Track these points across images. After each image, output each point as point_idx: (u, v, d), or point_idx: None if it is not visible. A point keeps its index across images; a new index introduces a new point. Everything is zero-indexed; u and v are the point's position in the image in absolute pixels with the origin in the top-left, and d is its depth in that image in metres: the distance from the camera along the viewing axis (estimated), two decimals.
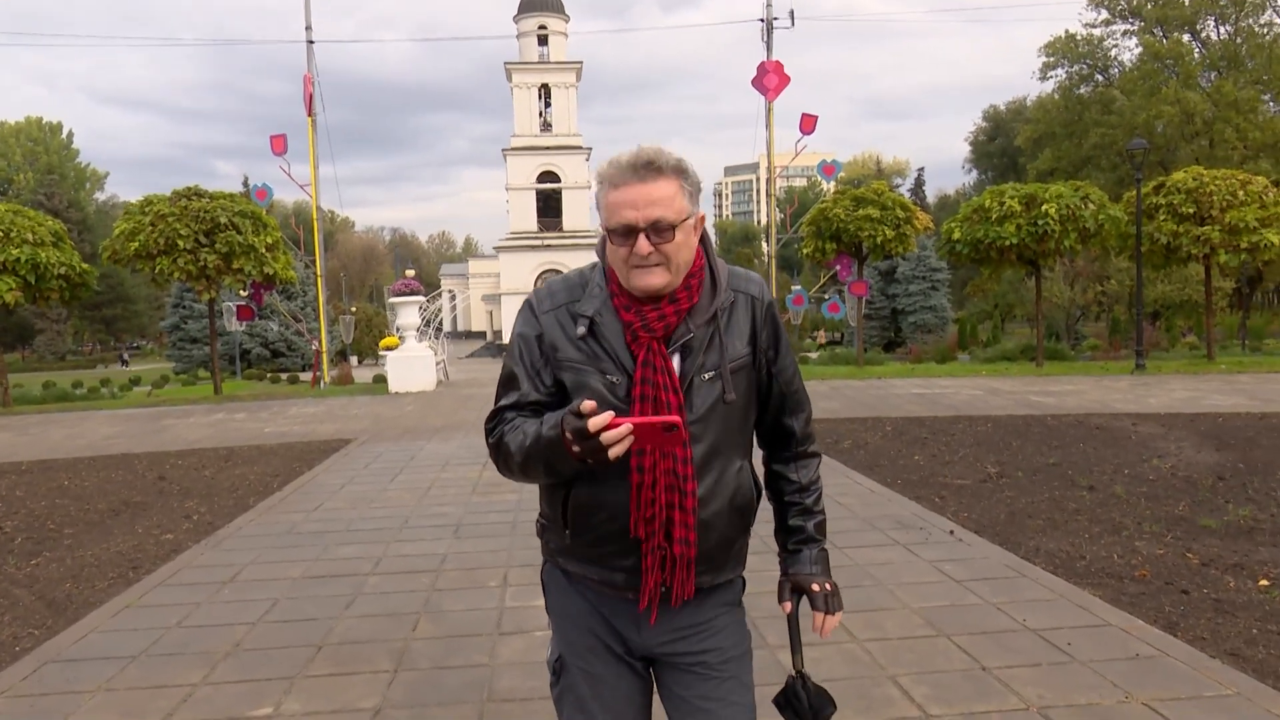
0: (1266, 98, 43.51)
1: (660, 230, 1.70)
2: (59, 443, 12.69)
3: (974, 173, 67.60)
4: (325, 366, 22.01)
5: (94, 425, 14.73)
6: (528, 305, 1.88)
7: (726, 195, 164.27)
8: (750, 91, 21.84)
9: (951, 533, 6.09)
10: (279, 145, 21.06)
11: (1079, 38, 47.44)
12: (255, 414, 15.68)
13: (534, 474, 1.79)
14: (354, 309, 46.38)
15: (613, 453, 1.58)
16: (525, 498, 7.63)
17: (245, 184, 21.59)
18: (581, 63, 56.08)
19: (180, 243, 17.78)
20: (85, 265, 18.59)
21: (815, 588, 1.92)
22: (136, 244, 17.85)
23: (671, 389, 1.75)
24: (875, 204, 20.86)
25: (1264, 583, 4.95)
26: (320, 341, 21.96)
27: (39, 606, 5.15)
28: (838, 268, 21.72)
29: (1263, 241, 18.88)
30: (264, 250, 18.68)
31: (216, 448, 11.43)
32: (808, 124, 21.01)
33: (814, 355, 28.67)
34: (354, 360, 40.69)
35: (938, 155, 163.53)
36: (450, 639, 4.35)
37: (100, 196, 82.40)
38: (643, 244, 1.69)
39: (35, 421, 15.72)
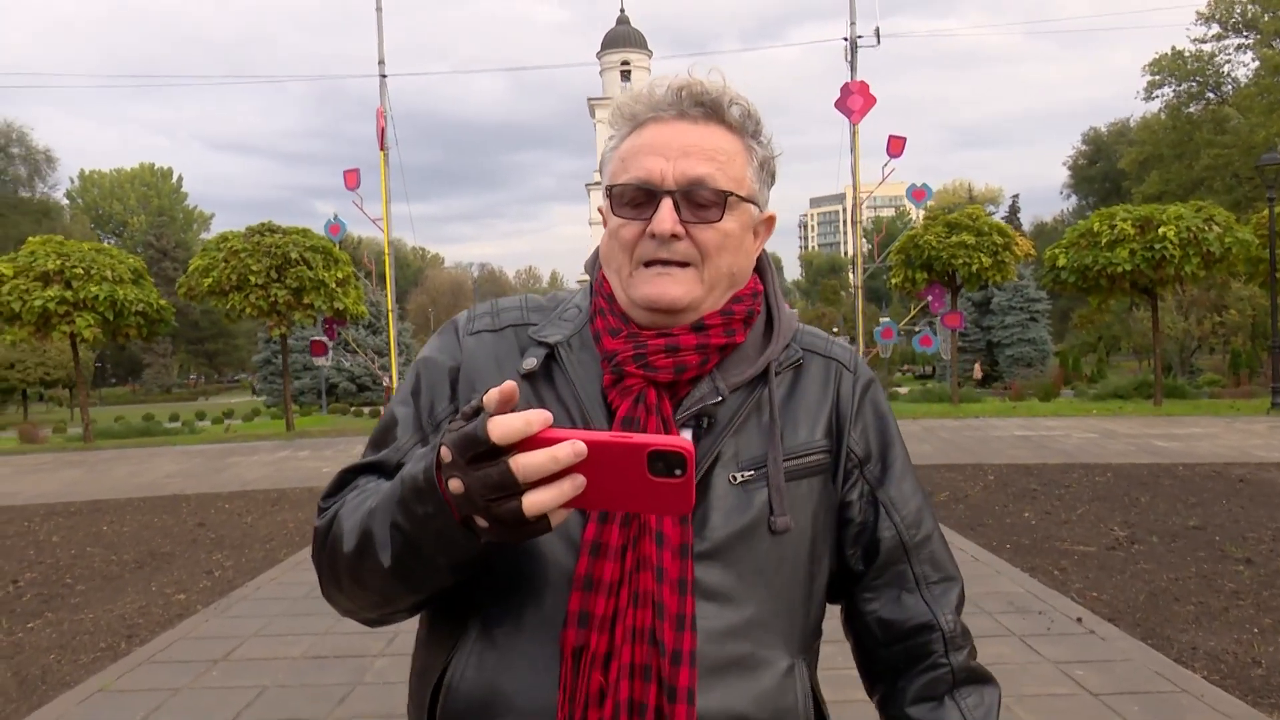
0: None
1: (700, 202, 0.99)
2: (120, 481, 12.44)
3: (1073, 198, 65.04)
4: None
5: (161, 462, 14.52)
6: (451, 324, 1.15)
7: (812, 227, 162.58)
8: (835, 122, 20.86)
9: (1080, 620, 4.99)
10: (351, 180, 20.95)
11: (1187, 54, 45.26)
12: (319, 452, 15.30)
13: (373, 579, 0.92)
14: None
15: (534, 500, 0.76)
16: None
17: (337, 219, 21.46)
18: None
19: (252, 278, 17.68)
20: (163, 302, 18.69)
21: None
22: (210, 280, 17.84)
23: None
24: (970, 230, 19.53)
25: None
26: (391, 377, 21.66)
27: (10, 685, 4.52)
28: (929, 298, 20.43)
29: None
30: (334, 285, 18.47)
31: (268, 490, 10.95)
32: (896, 146, 19.87)
33: (903, 390, 27.22)
34: None
35: (1033, 182, 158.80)
36: None
37: (206, 236, 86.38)
38: (666, 213, 0.98)
39: (108, 458, 15.65)
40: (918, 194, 20.67)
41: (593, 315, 1.08)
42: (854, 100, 19.80)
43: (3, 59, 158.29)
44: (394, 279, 22.15)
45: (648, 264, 1.00)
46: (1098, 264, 18.10)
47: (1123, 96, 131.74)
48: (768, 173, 1.07)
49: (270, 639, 5.03)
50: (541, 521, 0.78)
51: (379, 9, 21.68)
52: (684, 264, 1.00)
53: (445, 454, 0.80)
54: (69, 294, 17.11)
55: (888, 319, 25.03)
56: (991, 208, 73.24)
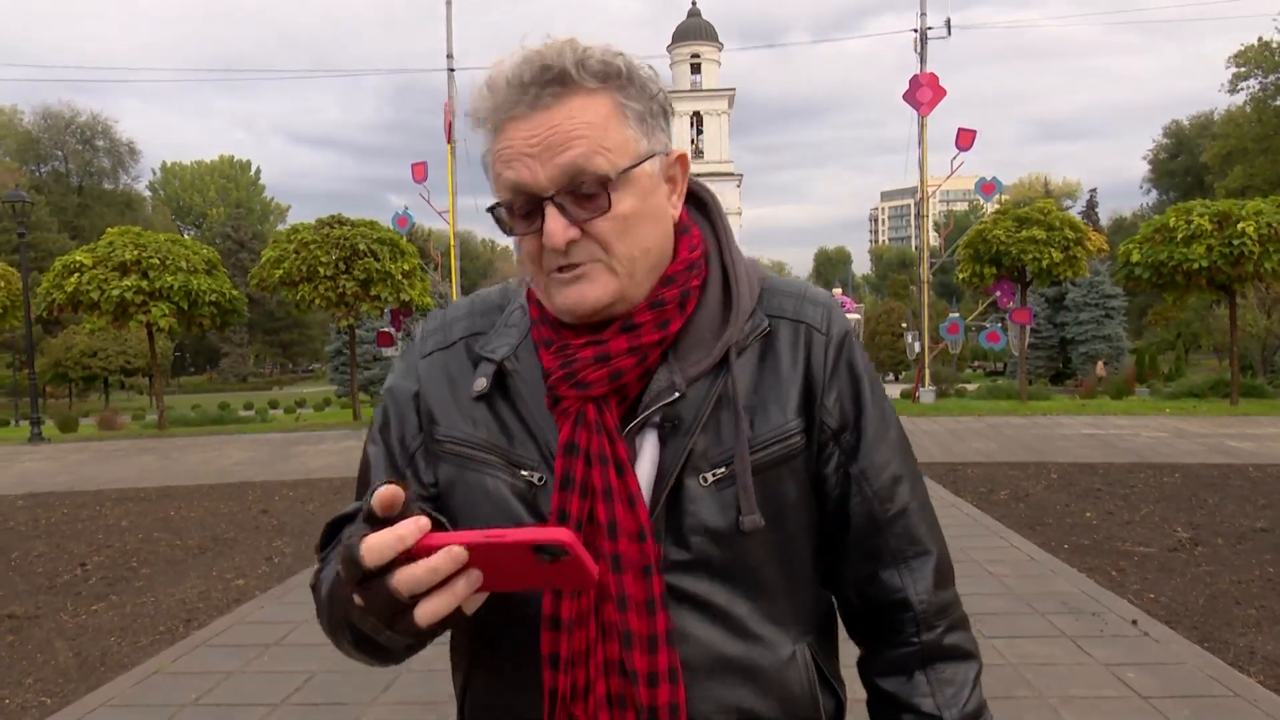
0: None
1: (585, 195, 0.90)
2: (192, 467, 12.89)
3: (1153, 193, 62.87)
4: None
5: (231, 450, 15.00)
6: (410, 344, 1.11)
7: (883, 220, 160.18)
8: (908, 115, 20.50)
9: (1135, 622, 4.86)
10: (419, 173, 21.35)
11: (1274, 45, 43.38)
12: None
13: (344, 644, 0.91)
14: None
15: (425, 611, 0.74)
16: None
17: (405, 211, 21.87)
18: (734, 90, 55.95)
19: (321, 269, 18.11)
20: (235, 292, 19.25)
21: None
22: (281, 271, 18.32)
23: (623, 499, 0.91)
24: (1041, 224, 19.03)
25: None
26: None
27: (71, 666, 4.73)
28: (998, 294, 19.98)
29: None
30: (400, 277, 18.81)
31: (331, 479, 11.23)
32: (965, 139, 19.47)
33: (971, 387, 26.68)
34: None
35: (1114, 176, 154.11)
36: None
37: (282, 228, 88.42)
38: (553, 224, 0.89)
39: (181, 445, 16.21)
40: (987, 188, 20.26)
41: (532, 320, 1.02)
42: (923, 92, 19.48)
43: (88, 51, 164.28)
44: (461, 270, 22.49)
45: (554, 272, 0.93)
46: (1173, 260, 17.50)
47: (1207, 89, 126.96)
48: (655, 114, 0.94)
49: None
50: (454, 615, 0.75)
51: (449, 3, 22.00)
52: (588, 262, 0.91)
53: (341, 571, 0.78)
54: (145, 284, 17.74)
55: (956, 314, 24.56)
56: (1069, 202, 71.39)
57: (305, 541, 7.53)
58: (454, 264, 21.32)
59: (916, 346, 26.82)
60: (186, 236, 20.35)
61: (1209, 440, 12.65)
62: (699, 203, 1.05)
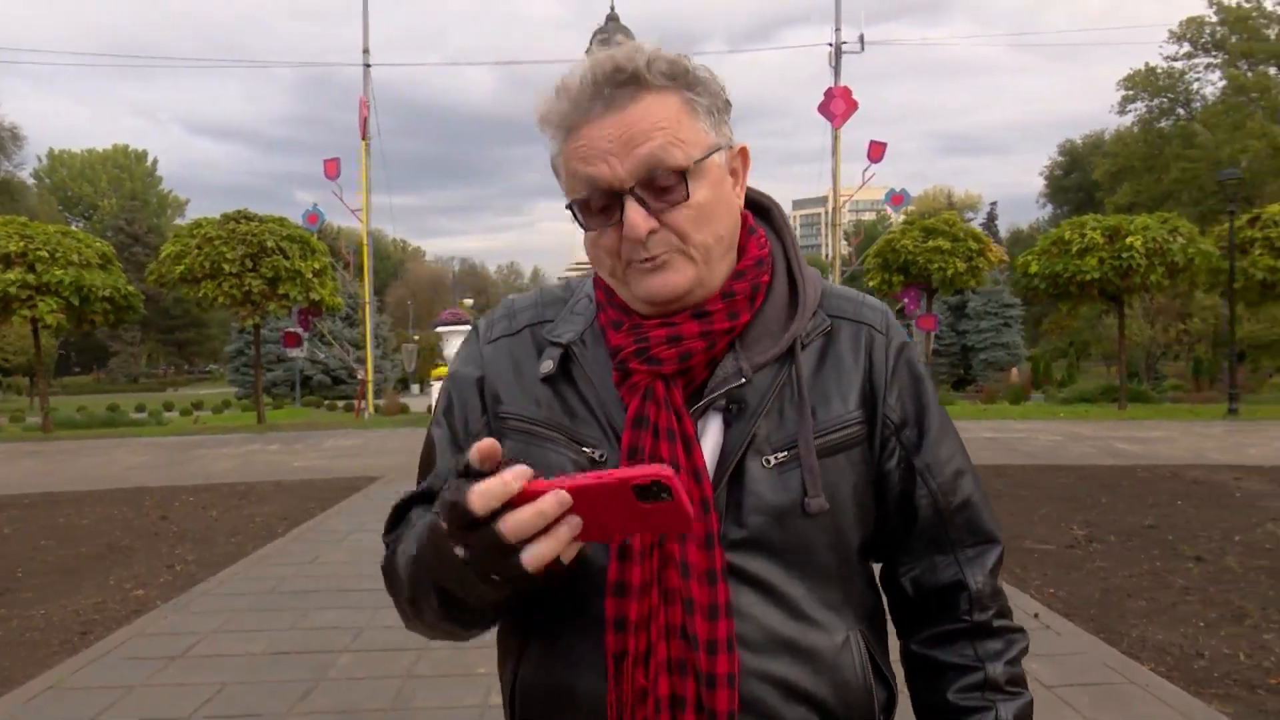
0: None
1: (662, 187, 0.94)
2: (82, 472, 12.29)
3: (1049, 207, 65.80)
4: (370, 396, 21.59)
5: (124, 454, 14.37)
6: (473, 332, 1.15)
7: (795, 229, 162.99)
8: (821, 126, 20.94)
9: (1036, 616, 5.08)
10: (332, 169, 20.85)
11: (1159, 71, 45.92)
12: (290, 445, 15.20)
13: (433, 618, 0.95)
14: (417, 337, 46.50)
15: (532, 554, 0.77)
16: None
17: (315, 208, 21.34)
18: None
19: (226, 266, 17.53)
20: (130, 288, 18.46)
21: None
22: (182, 267, 17.66)
23: (690, 472, 0.95)
24: (946, 235, 19.75)
25: None
26: (366, 370, 21.55)
27: None
28: (905, 301, 20.60)
29: None
30: (310, 276, 18.35)
31: (235, 483, 10.87)
32: (876, 151, 20.03)
33: None
34: (415, 389, 40.62)
35: (1013, 190, 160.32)
36: None
37: (181, 222, 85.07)
38: (635, 215, 0.94)
39: (69, 449, 15.45)
40: (896, 199, 20.88)
41: (599, 302, 1.07)
42: (836, 105, 19.96)
43: None
44: (372, 271, 22.02)
45: (635, 263, 0.97)
46: (1068, 271, 18.35)
47: (1098, 110, 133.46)
48: (720, 109, 1.00)
49: (231, 635, 4.99)
50: (554, 564, 0.79)
51: None
52: (668, 252, 0.96)
53: (443, 523, 0.82)
54: (31, 277, 16.86)
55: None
56: (970, 214, 73.91)
57: (209, 549, 7.26)
58: (367, 263, 20.87)
59: None
60: (75, 228, 19.31)
61: (1100, 443, 13.30)
62: (761, 209, 1.11)
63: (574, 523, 0.78)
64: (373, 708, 3.94)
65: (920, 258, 19.59)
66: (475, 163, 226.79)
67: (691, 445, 0.96)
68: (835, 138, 21.21)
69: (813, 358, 1.03)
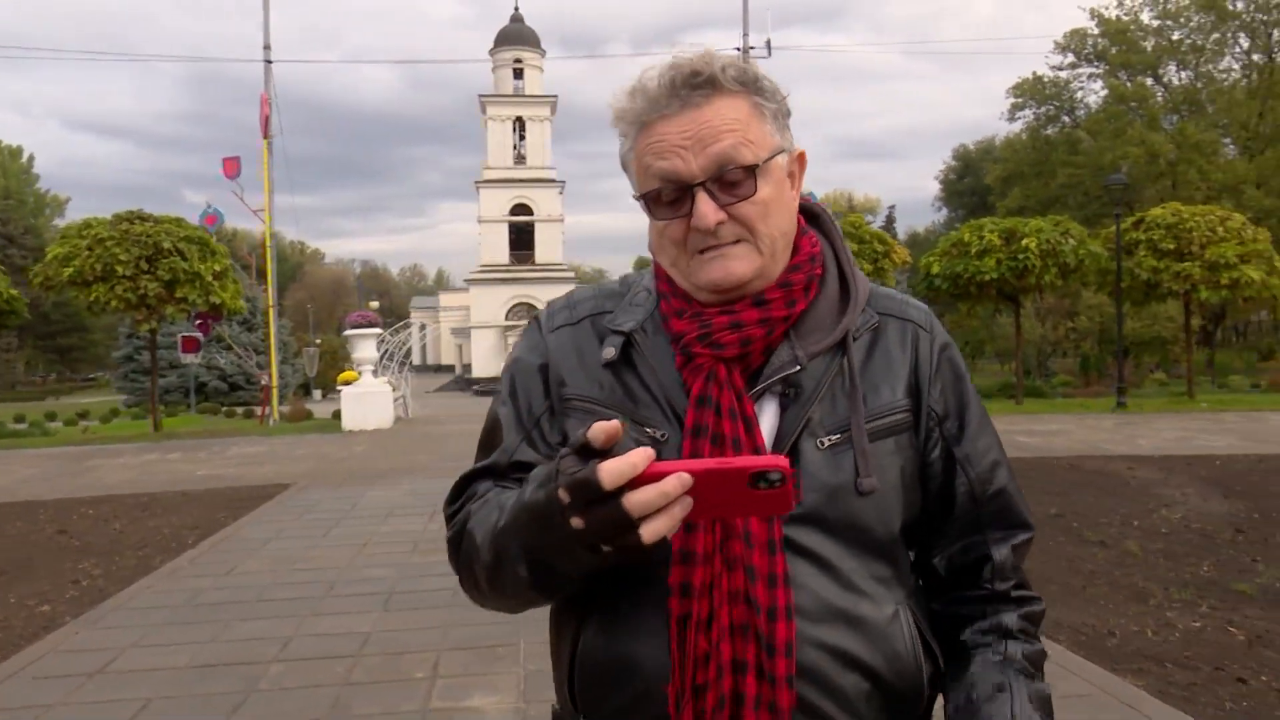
0: (1227, 141, 44.02)
1: (732, 181, 1.01)
2: None
3: (944, 210, 68.01)
4: (275, 402, 20.93)
5: (12, 466, 13.60)
6: (534, 322, 1.21)
7: None
8: None
9: None
10: (231, 168, 20.16)
11: (1046, 80, 47.93)
12: (191, 454, 14.63)
13: (513, 587, 1.00)
14: (318, 341, 45.30)
15: (650, 530, 0.82)
16: None
17: (205, 209, 20.58)
18: (556, 96, 56.02)
19: (119, 269, 16.74)
20: (13, 292, 17.48)
21: None
22: (71, 269, 16.80)
23: (749, 450, 1.01)
24: (853, 237, 20.26)
25: None
26: (270, 375, 20.89)
27: None
28: None
29: (1243, 278, 18.52)
30: (210, 278, 17.68)
31: (137, 494, 10.39)
32: None
33: None
34: (317, 394, 39.56)
35: (910, 194, 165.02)
36: None
37: (60, 223, 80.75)
38: (705, 207, 1.00)
39: None
40: (804, 202, 21.31)
41: (661, 294, 1.12)
42: None
43: None
44: (267, 273, 21.34)
45: (702, 251, 1.03)
46: (968, 272, 19.07)
47: (990, 117, 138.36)
48: (783, 115, 1.07)
49: (151, 649, 4.79)
50: (648, 545, 0.84)
51: None
52: (737, 241, 1.02)
53: (564, 496, 0.86)
54: None
55: None
56: (870, 217, 75.95)
57: (116, 562, 6.95)
58: (270, 265, 20.23)
59: None
60: None
61: (1002, 437, 13.76)
62: (811, 215, 1.18)
63: (687, 503, 0.82)
64: (310, 717, 3.84)
65: None
66: (375, 163, 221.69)
67: (752, 425, 1.02)
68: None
69: (862, 350, 1.10)
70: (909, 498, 1.10)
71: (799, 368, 1.04)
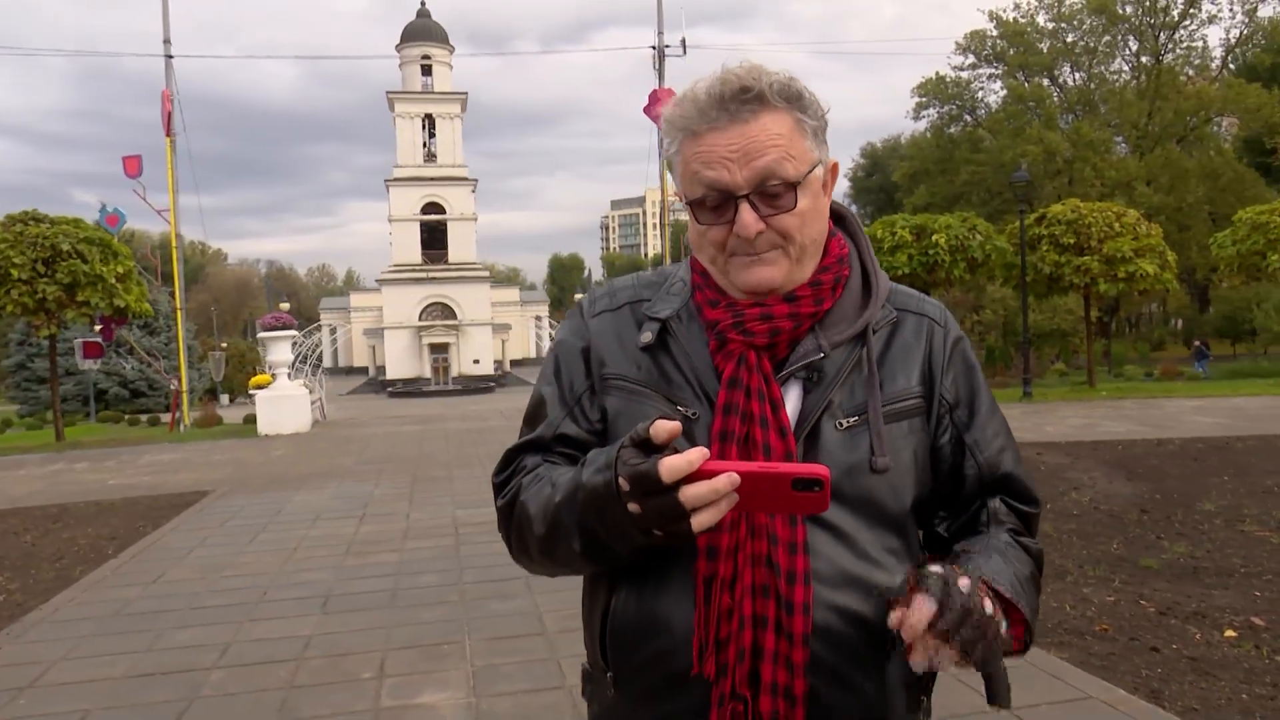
0: (1118, 139, 46.08)
1: (773, 194, 1.09)
2: None
3: (854, 207, 69.36)
4: (186, 407, 20.26)
5: None
6: (577, 307, 1.31)
7: (614, 229, 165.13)
8: (638, 128, 21.46)
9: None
10: (133, 167, 19.41)
11: (948, 80, 49.31)
12: (100, 463, 14.08)
13: (565, 557, 1.11)
14: (224, 345, 43.87)
15: (699, 521, 0.93)
16: (408, 558, 6.70)
17: (102, 210, 19.78)
18: (466, 94, 55.39)
19: (14, 272, 15.97)
20: None
21: (963, 580, 1.02)
22: None
23: (776, 429, 1.10)
24: None
25: (1231, 634, 4.52)
26: (180, 380, 20.20)
27: None
28: None
29: (1138, 271, 19.49)
30: (114, 281, 17.00)
31: (46, 505, 9.98)
32: None
33: None
34: (225, 399, 38.35)
35: None
36: None
37: None
38: (747, 218, 1.08)
39: None
40: None
41: (695, 285, 1.20)
42: (661, 107, 20.38)
43: None
44: (174, 275, 20.61)
45: (739, 255, 1.12)
46: (881, 267, 19.58)
47: (895, 116, 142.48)
48: (822, 130, 1.14)
49: (83, 661, 4.65)
50: (698, 532, 0.95)
51: None
52: (773, 248, 1.11)
53: (624, 484, 0.96)
54: None
55: None
56: None
57: (32, 575, 6.68)
58: (177, 267, 19.53)
59: None
60: None
61: None
62: (838, 216, 1.26)
63: (734, 498, 0.92)
64: (260, 719, 3.80)
65: None
66: (278, 161, 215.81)
67: (778, 406, 1.11)
68: (660, 139, 21.73)
69: (881, 341, 1.19)
70: (920, 477, 1.18)
71: (823, 355, 1.14)
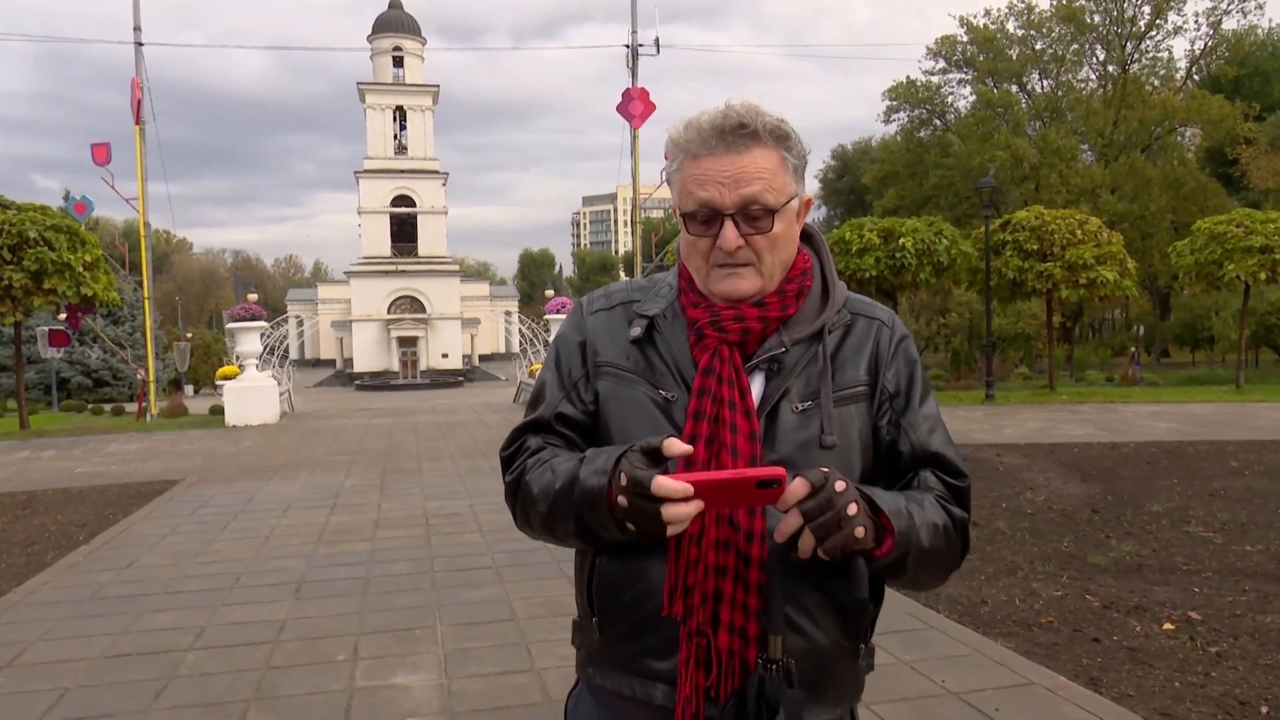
0: (1084, 147, 46.80)
1: (754, 217, 1.28)
2: None
3: (823, 208, 69.97)
4: (153, 397, 20.12)
5: None
6: (577, 306, 1.51)
7: (585, 225, 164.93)
8: (611, 125, 21.69)
9: None
10: (101, 155, 19.23)
11: (919, 84, 49.76)
12: (66, 451, 14.01)
13: (561, 533, 1.33)
14: (189, 335, 43.40)
15: (672, 530, 1.16)
16: (380, 547, 6.82)
17: (66, 197, 19.58)
18: (438, 86, 55.05)
19: None
20: None
21: (841, 485, 1.18)
22: None
23: (742, 410, 1.29)
24: None
25: (1169, 626, 4.76)
26: (148, 370, 20.05)
27: None
28: None
29: (1099, 277, 19.94)
30: (81, 269, 16.87)
31: (14, 493, 9.97)
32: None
33: None
34: (189, 390, 37.98)
35: None
36: None
37: None
38: (730, 234, 1.28)
39: None
40: None
41: (680, 290, 1.40)
42: (635, 106, 20.55)
43: None
44: (152, 265, 20.44)
45: (719, 266, 1.31)
46: (849, 269, 19.89)
47: (866, 119, 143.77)
48: (802, 167, 1.33)
49: (60, 642, 4.74)
50: (669, 537, 1.17)
51: None
52: (746, 264, 1.30)
53: (623, 479, 1.16)
54: None
55: None
56: None
57: (3, 559, 6.73)
58: (144, 256, 19.37)
59: None
60: None
61: None
62: (806, 235, 1.44)
63: (700, 506, 1.13)
64: (237, 699, 3.92)
65: None
66: (246, 151, 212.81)
67: (745, 391, 1.31)
68: (634, 138, 21.88)
69: (836, 339, 1.38)
70: (865, 453, 1.37)
71: (784, 350, 1.33)
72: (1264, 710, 3.70)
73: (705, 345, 1.33)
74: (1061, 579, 5.69)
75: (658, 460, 1.17)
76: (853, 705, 1.41)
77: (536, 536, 1.40)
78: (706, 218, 1.29)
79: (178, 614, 5.18)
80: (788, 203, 1.30)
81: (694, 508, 1.12)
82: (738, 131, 1.27)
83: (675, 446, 1.15)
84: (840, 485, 1.18)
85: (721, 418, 1.28)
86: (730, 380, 1.30)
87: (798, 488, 1.16)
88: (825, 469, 1.20)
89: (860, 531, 1.18)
